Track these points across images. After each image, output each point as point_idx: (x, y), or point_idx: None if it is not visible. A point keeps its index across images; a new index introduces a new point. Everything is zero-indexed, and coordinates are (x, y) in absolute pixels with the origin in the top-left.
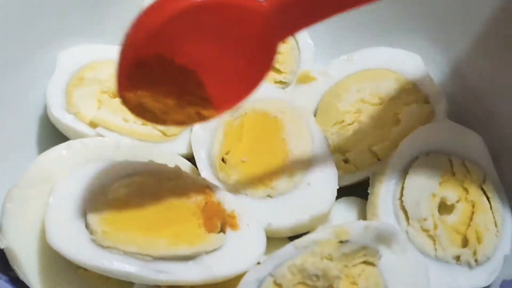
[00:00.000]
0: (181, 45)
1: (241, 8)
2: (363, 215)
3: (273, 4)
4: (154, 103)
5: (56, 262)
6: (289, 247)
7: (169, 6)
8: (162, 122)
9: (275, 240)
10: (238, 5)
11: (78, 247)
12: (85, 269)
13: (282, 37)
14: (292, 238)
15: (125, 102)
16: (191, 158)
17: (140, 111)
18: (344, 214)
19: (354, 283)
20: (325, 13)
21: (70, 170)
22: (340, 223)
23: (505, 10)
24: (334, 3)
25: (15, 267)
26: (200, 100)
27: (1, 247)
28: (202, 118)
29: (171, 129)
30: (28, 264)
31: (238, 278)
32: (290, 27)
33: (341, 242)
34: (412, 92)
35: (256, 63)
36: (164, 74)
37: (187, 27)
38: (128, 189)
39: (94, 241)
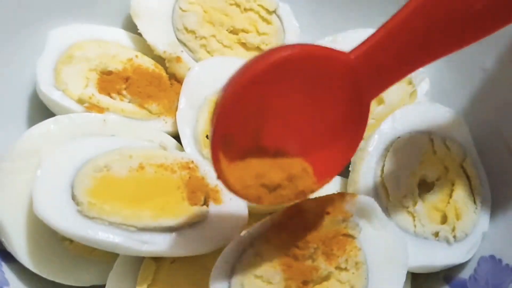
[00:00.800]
0: (273, 112)
1: (326, 60)
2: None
3: (359, 55)
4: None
5: (42, 234)
6: (271, 218)
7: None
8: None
9: (258, 216)
10: (322, 57)
11: (64, 217)
12: (71, 241)
13: (374, 93)
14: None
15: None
16: (176, 136)
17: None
18: (325, 191)
19: (333, 254)
20: (419, 60)
21: (58, 144)
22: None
23: None
24: (431, 48)
25: (2, 239)
26: (302, 172)
27: None
28: (304, 194)
29: (157, 108)
30: (15, 235)
31: (220, 249)
32: (382, 79)
33: (322, 213)
34: None
35: (350, 125)
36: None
37: (277, 89)
38: (114, 162)
39: (80, 212)
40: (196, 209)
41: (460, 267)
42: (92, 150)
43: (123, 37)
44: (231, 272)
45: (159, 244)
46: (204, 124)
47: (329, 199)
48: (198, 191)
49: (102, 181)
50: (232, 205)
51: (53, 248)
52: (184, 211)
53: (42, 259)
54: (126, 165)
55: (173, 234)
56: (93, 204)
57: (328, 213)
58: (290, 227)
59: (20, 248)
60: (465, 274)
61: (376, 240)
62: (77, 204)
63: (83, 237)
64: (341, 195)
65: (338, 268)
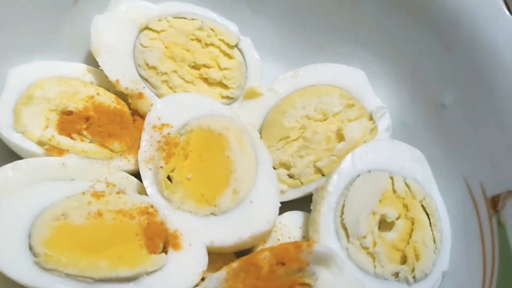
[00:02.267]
0: None
1: None
2: (306, 230)
3: None
4: None
5: (2, 281)
6: (226, 270)
7: None
8: None
9: (219, 255)
10: None
11: (21, 269)
12: None
13: None
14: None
15: None
16: (138, 175)
17: None
18: (288, 228)
19: None
20: None
21: (16, 191)
22: (276, 245)
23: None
24: None
25: None
26: None
27: None
28: None
29: (119, 147)
30: None
31: None
32: None
33: (277, 264)
34: (356, 108)
35: None
36: None
37: None
38: (72, 210)
39: (37, 263)
40: (155, 258)
41: None
42: (50, 196)
43: (85, 72)
44: None
45: None
46: (164, 163)
47: (284, 250)
48: (156, 238)
49: (60, 230)
50: (192, 250)
51: None
52: (142, 260)
53: None
54: (84, 212)
55: (131, 284)
56: (50, 256)
57: (283, 264)
58: (245, 279)
59: None
60: None
61: (335, 286)
62: (34, 255)
63: None
64: (296, 245)
65: None
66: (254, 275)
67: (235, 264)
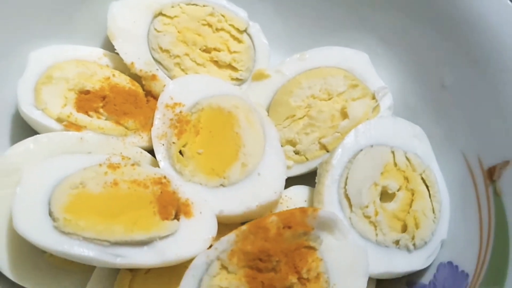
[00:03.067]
0: None
1: None
2: (311, 203)
3: None
4: None
5: (24, 247)
6: (236, 232)
7: None
8: None
9: (227, 226)
10: None
11: (42, 233)
12: (51, 254)
13: None
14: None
15: None
16: (151, 151)
17: None
18: (294, 202)
19: (295, 266)
20: None
21: (36, 162)
22: (283, 210)
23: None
24: None
25: None
26: None
27: None
28: None
29: (133, 124)
30: None
31: (189, 261)
32: None
33: (284, 228)
34: (359, 89)
35: None
36: None
37: None
38: (89, 179)
39: (56, 227)
40: (167, 223)
41: (420, 273)
42: (69, 167)
43: (101, 56)
44: (198, 284)
45: (132, 257)
46: (176, 139)
47: (290, 214)
48: (169, 206)
49: (78, 198)
50: (202, 218)
51: (34, 260)
52: (155, 225)
53: (24, 271)
54: (101, 181)
55: (145, 248)
56: (69, 220)
57: (289, 227)
58: (254, 241)
59: (3, 260)
60: (426, 279)
61: (338, 250)
62: (54, 220)
63: (60, 251)
64: (302, 210)
65: (301, 278)
66: (262, 237)
67: (244, 227)
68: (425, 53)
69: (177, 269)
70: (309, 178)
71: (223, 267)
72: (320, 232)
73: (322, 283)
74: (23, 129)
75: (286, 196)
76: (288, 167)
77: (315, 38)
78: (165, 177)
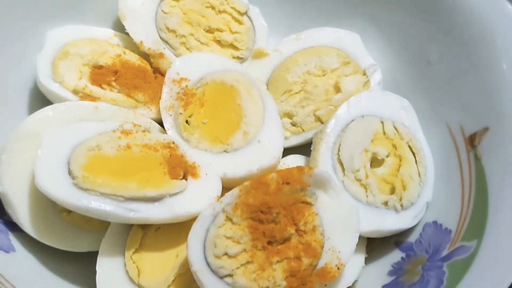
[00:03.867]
0: None
1: None
2: None
3: None
4: None
5: (43, 206)
6: (239, 187)
7: None
8: None
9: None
10: None
11: (62, 189)
12: (68, 213)
13: None
14: None
15: None
16: (160, 122)
17: None
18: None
19: (293, 218)
20: None
21: (56, 127)
22: (283, 169)
23: None
24: None
25: (9, 210)
26: None
27: None
28: None
29: (142, 97)
30: (20, 208)
31: (196, 217)
32: None
33: (283, 183)
34: (351, 66)
35: None
36: None
37: None
38: (104, 143)
39: (75, 184)
40: (176, 182)
41: (407, 232)
42: (86, 132)
43: (112, 36)
44: (205, 233)
45: (144, 212)
46: (183, 110)
47: (289, 172)
48: (177, 167)
49: (94, 159)
50: (208, 179)
51: (53, 218)
52: (165, 184)
53: (43, 228)
54: (115, 145)
55: (156, 204)
56: (87, 177)
57: (288, 183)
58: (255, 195)
59: (24, 219)
60: (412, 238)
61: (332, 207)
62: (73, 177)
63: (78, 206)
64: (299, 168)
65: (298, 230)
66: (263, 191)
67: (246, 183)
68: (412, 33)
69: (185, 227)
70: (304, 149)
71: (228, 218)
72: (316, 189)
73: (318, 235)
74: (40, 100)
75: (284, 164)
76: (286, 138)
77: (310, 20)
78: (173, 143)
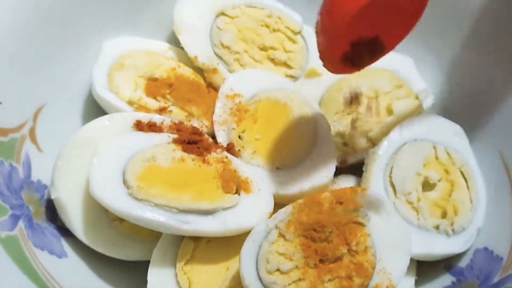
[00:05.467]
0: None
1: None
2: None
3: None
4: None
5: (96, 214)
6: (292, 205)
7: None
8: None
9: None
10: None
11: (116, 198)
12: (121, 221)
13: None
14: None
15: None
16: (213, 136)
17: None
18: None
19: (346, 238)
20: None
21: (111, 137)
22: (337, 188)
23: (489, 14)
24: None
25: (62, 216)
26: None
27: (52, 198)
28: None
29: (196, 111)
30: (73, 214)
31: (249, 231)
32: None
33: (336, 203)
34: (404, 89)
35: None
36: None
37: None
38: (159, 154)
39: (130, 194)
40: (229, 196)
41: (458, 257)
42: (141, 143)
43: (167, 49)
44: (258, 249)
45: (197, 224)
46: (236, 126)
47: (342, 192)
48: (230, 181)
49: (149, 169)
50: (260, 194)
51: (105, 226)
52: (219, 197)
53: (95, 236)
54: (169, 157)
55: (209, 217)
56: (142, 187)
57: (341, 203)
58: (309, 213)
59: (77, 225)
60: (463, 263)
61: (383, 229)
62: (128, 187)
63: (133, 216)
64: (353, 189)
65: (350, 250)
66: (316, 210)
67: (300, 201)
68: (467, 59)
69: (236, 241)
70: (356, 170)
71: (281, 235)
72: (368, 210)
73: (370, 256)
74: (95, 110)
75: (335, 183)
76: (337, 157)
77: None
78: (226, 157)
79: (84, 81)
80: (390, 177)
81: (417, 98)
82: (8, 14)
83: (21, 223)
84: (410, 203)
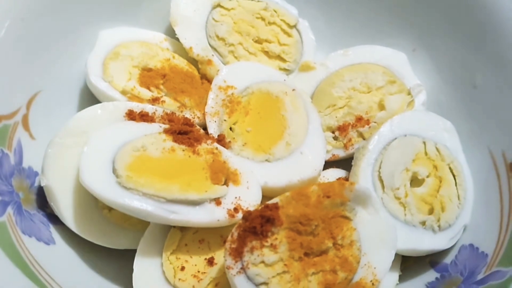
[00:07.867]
0: None
1: None
2: None
3: None
4: None
5: (85, 202)
6: (280, 197)
7: None
8: None
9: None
10: None
11: (105, 187)
12: (109, 210)
13: None
14: None
15: None
16: (204, 127)
17: None
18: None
19: (332, 232)
20: None
21: (103, 126)
22: (325, 182)
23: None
24: None
25: (51, 203)
26: None
27: (42, 185)
28: None
29: (189, 102)
30: (62, 202)
31: (235, 223)
32: None
33: (324, 196)
34: (396, 85)
35: None
36: None
37: None
38: (150, 144)
39: (119, 183)
40: (218, 188)
41: (443, 253)
42: (132, 132)
43: (163, 40)
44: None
45: (184, 214)
46: (228, 117)
47: (330, 185)
48: (219, 173)
49: (139, 159)
50: (249, 186)
51: (94, 215)
52: (207, 188)
53: (84, 224)
54: (159, 147)
55: (197, 207)
56: (130, 177)
57: (328, 197)
58: (296, 206)
59: (66, 213)
60: (448, 259)
61: (370, 223)
62: (117, 176)
63: (121, 204)
64: (341, 183)
65: (336, 244)
66: (304, 203)
67: (287, 194)
68: (460, 58)
69: (224, 230)
70: (345, 164)
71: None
72: (355, 205)
73: (355, 250)
74: (89, 99)
75: (323, 176)
76: (327, 151)
77: (358, 36)
78: (216, 148)
79: (79, 70)
80: (379, 172)
81: (409, 93)
82: (4, 2)
83: (10, 209)
84: (398, 198)
